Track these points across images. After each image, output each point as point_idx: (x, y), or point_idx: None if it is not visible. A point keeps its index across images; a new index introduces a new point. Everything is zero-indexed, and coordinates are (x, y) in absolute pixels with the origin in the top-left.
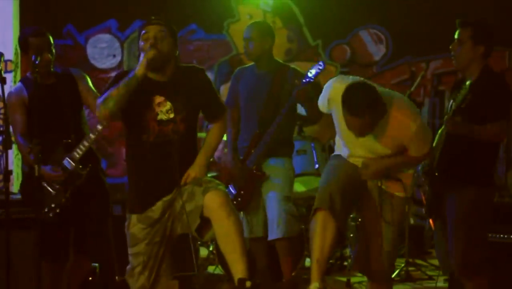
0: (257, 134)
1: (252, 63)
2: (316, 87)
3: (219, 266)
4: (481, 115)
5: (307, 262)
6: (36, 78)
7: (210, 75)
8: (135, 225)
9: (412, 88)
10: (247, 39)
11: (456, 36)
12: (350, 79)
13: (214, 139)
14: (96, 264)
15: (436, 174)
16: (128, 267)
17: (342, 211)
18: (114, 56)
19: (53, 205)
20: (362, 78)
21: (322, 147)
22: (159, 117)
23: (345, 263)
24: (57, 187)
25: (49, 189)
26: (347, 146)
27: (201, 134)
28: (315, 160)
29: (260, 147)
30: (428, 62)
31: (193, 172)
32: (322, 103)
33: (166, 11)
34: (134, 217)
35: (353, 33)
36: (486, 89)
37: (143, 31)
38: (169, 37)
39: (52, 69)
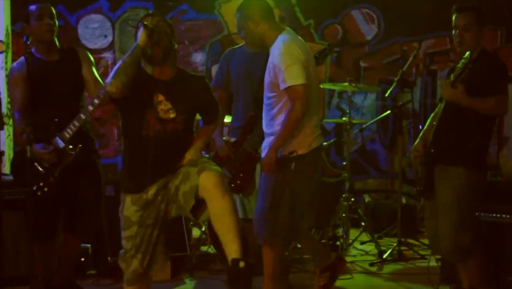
0: (252, 117)
1: (242, 43)
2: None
3: (212, 246)
4: (481, 87)
5: None
6: (28, 59)
7: (201, 55)
8: (129, 207)
9: (404, 68)
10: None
11: (459, 23)
12: None
13: (210, 130)
14: (88, 245)
15: (432, 150)
16: (121, 251)
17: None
18: (106, 36)
19: (41, 184)
20: None
21: None
22: (160, 115)
23: (338, 243)
24: (47, 166)
25: (39, 167)
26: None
27: None
28: None
29: (258, 130)
30: (420, 41)
31: (188, 154)
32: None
33: None
34: (128, 199)
35: (345, 12)
36: (488, 62)
37: (140, 23)
38: (167, 28)
39: (57, 43)
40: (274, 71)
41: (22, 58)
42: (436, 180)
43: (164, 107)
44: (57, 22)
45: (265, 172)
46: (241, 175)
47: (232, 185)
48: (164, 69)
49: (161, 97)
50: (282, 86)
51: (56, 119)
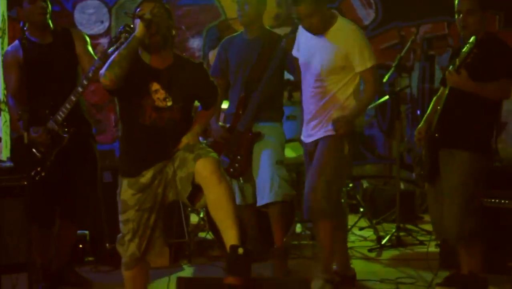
0: (243, 98)
1: (240, 31)
2: None
3: (210, 233)
4: (486, 71)
5: (298, 227)
6: (25, 45)
7: (198, 40)
8: (126, 191)
9: (402, 53)
10: (243, 1)
11: (462, 7)
12: None
13: (208, 115)
14: (86, 232)
15: (436, 134)
16: (119, 236)
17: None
18: (102, 22)
19: (38, 169)
20: None
21: None
22: (156, 104)
23: None
24: (42, 150)
25: (35, 152)
26: (304, 73)
27: None
28: None
29: (250, 109)
30: (418, 26)
31: (186, 138)
32: (295, 46)
33: None
34: (125, 183)
35: None
36: (493, 46)
37: (138, 9)
38: (165, 14)
39: (51, 26)
40: (345, 53)
41: (16, 42)
42: (440, 165)
43: (161, 96)
44: (50, 5)
45: (337, 130)
46: (239, 157)
47: (231, 170)
48: (161, 57)
49: (157, 86)
50: (360, 68)
51: (51, 103)
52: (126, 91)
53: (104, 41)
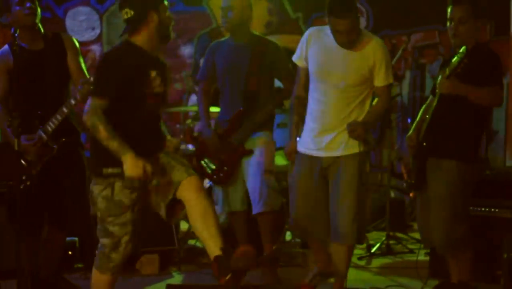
0: (240, 112)
1: (228, 36)
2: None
3: (199, 240)
4: (476, 81)
5: (288, 235)
6: (16, 51)
7: (189, 47)
8: (121, 191)
9: (393, 61)
10: (226, 8)
11: (454, 15)
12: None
13: None
14: (76, 238)
15: (424, 144)
16: (104, 243)
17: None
18: (93, 29)
19: (24, 177)
20: None
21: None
22: (155, 90)
23: None
24: (29, 159)
25: (22, 161)
26: (321, 84)
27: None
28: None
29: (247, 127)
30: (409, 35)
31: (173, 140)
32: (299, 53)
33: None
34: (117, 185)
35: None
36: (483, 56)
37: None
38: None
39: (41, 30)
40: (372, 66)
41: (5, 47)
42: (428, 173)
43: (157, 82)
44: (39, 8)
45: (353, 135)
46: (225, 168)
47: (214, 177)
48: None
49: (154, 73)
50: (381, 83)
51: (39, 112)
52: (127, 81)
53: (95, 48)
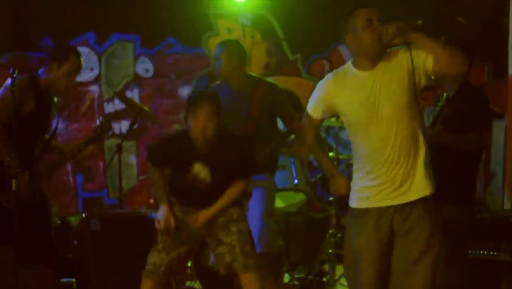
0: None
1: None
2: None
3: (197, 281)
4: (458, 126)
5: (286, 277)
6: (15, 92)
7: (188, 89)
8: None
9: None
10: (215, 58)
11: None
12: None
13: (231, 195)
14: (73, 280)
15: None
16: None
17: None
18: (92, 69)
19: None
20: None
21: (301, 162)
22: (195, 179)
23: (324, 279)
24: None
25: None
26: (360, 133)
27: None
28: (294, 175)
29: None
30: None
31: (202, 216)
32: (316, 106)
33: (145, 24)
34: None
35: (332, 47)
36: (463, 101)
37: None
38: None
39: None
40: (410, 69)
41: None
42: None
43: (201, 175)
44: None
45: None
46: None
47: None
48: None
49: (199, 166)
50: (428, 56)
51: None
52: (171, 163)
53: (93, 88)
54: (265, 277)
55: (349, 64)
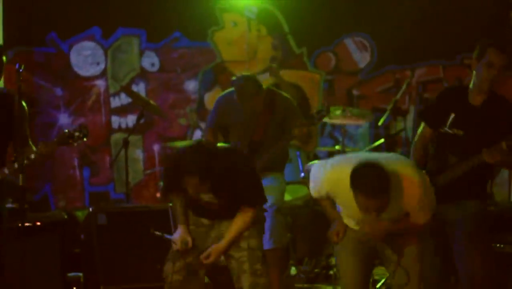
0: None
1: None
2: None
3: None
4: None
5: (292, 270)
6: (20, 87)
7: (194, 83)
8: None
9: (397, 96)
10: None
11: (498, 62)
12: (340, 162)
13: (241, 224)
14: (80, 274)
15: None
16: None
17: None
18: (98, 64)
19: None
20: (348, 156)
21: (307, 156)
22: (203, 203)
23: (331, 272)
24: None
25: None
26: (355, 220)
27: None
28: (301, 168)
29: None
30: (413, 70)
31: (216, 251)
32: (318, 193)
33: (150, 18)
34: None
35: (338, 41)
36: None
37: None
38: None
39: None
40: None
41: None
42: (446, 216)
43: (209, 200)
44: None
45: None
46: None
47: None
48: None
49: (205, 196)
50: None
51: None
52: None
53: (100, 82)
54: (275, 270)
55: None
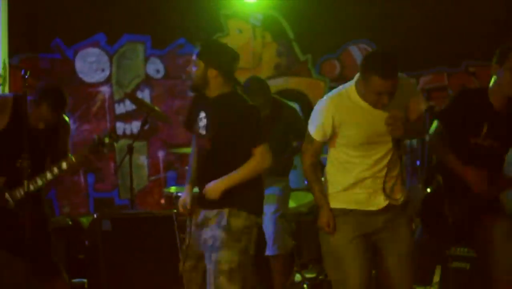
0: None
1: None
2: None
3: None
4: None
5: (297, 277)
6: (26, 93)
7: None
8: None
9: None
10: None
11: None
12: (332, 92)
13: (243, 169)
14: (85, 280)
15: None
16: None
17: None
18: (103, 70)
19: None
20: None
21: None
22: (199, 131)
23: None
24: None
25: None
26: (360, 152)
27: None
28: None
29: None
30: (417, 77)
31: (212, 190)
32: (318, 129)
33: (155, 25)
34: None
35: (343, 48)
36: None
37: None
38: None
39: None
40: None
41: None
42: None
43: (202, 124)
44: None
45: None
46: None
47: None
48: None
49: (202, 114)
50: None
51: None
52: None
53: (104, 89)
54: (279, 276)
55: None
